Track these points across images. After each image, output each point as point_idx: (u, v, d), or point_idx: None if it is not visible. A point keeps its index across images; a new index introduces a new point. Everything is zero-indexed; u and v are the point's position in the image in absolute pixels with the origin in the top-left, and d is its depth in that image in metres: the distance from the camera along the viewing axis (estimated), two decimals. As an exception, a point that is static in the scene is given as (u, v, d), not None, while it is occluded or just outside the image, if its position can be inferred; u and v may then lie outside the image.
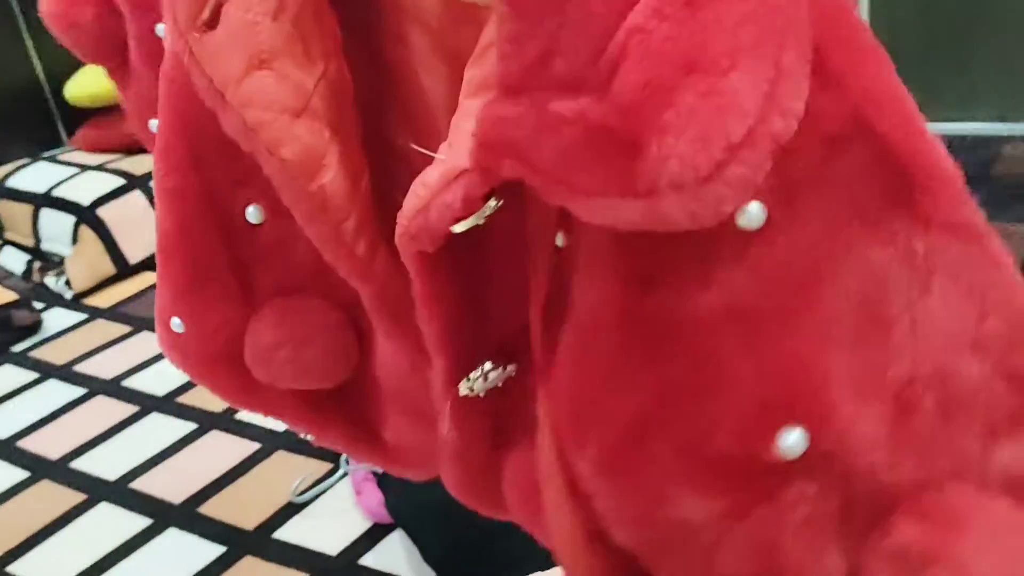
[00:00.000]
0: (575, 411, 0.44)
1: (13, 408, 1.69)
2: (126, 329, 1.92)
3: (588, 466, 0.44)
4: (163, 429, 1.57)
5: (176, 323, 0.62)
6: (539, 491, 0.49)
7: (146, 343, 1.85)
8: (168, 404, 1.64)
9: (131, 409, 1.64)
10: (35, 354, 1.87)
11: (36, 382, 1.77)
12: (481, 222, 0.42)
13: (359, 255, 0.52)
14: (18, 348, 1.89)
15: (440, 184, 0.42)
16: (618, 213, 0.37)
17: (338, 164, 0.50)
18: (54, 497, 1.44)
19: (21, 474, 1.51)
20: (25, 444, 1.58)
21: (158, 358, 1.77)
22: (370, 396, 0.63)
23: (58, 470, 1.51)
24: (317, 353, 0.60)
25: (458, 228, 0.42)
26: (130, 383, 1.72)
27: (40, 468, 1.52)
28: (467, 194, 0.41)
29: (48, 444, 1.58)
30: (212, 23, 0.50)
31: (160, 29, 0.59)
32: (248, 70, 0.49)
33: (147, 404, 1.65)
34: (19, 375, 1.80)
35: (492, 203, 0.42)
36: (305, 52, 0.50)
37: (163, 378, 1.69)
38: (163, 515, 1.37)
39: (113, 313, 1.99)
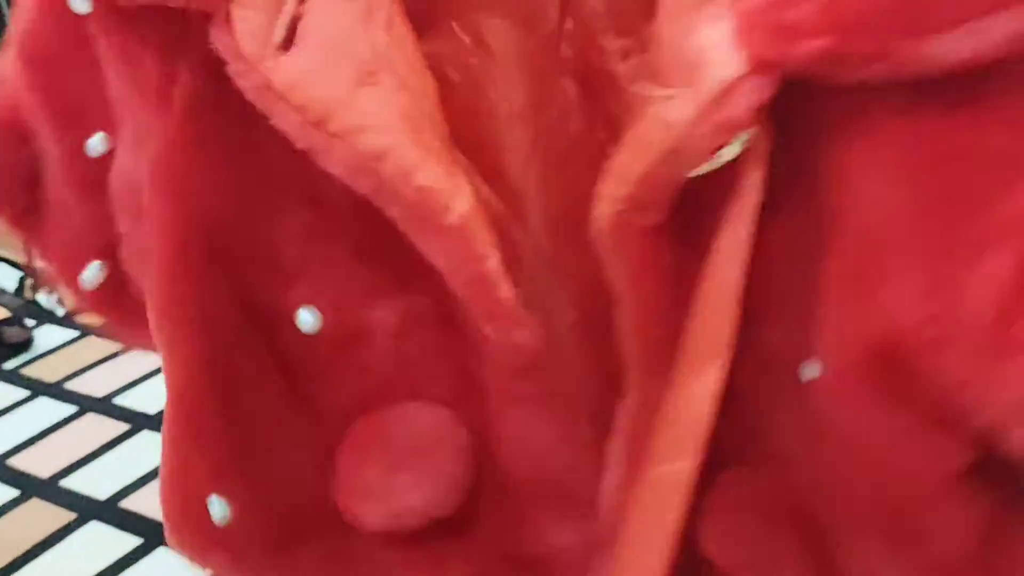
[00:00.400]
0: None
1: (3, 426, 1.68)
2: (118, 346, 1.90)
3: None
4: (155, 447, 1.53)
5: (218, 508, 0.46)
6: (754, 513, 0.40)
7: (138, 360, 1.84)
8: (160, 422, 1.62)
9: (122, 427, 1.63)
10: (26, 371, 1.86)
11: (27, 399, 1.76)
12: (739, 151, 0.34)
13: (505, 299, 0.40)
14: (9, 365, 1.88)
15: (704, 107, 0.33)
16: (999, 32, 0.29)
17: (470, 189, 0.40)
18: (44, 516, 1.43)
19: (11, 492, 1.50)
20: (15, 462, 1.57)
21: (150, 375, 1.76)
22: (498, 504, 0.48)
23: (48, 488, 1.50)
24: (442, 464, 0.45)
25: (704, 169, 0.34)
26: (122, 400, 1.71)
27: (30, 486, 1.51)
28: (749, 102, 0.33)
29: (38, 462, 1.57)
30: (287, 44, 0.40)
31: (92, 145, 0.47)
32: (353, 89, 0.39)
33: (139, 422, 1.64)
34: (10, 392, 1.78)
35: (747, 133, 0.33)
36: (404, 59, 0.40)
37: (155, 395, 1.68)
38: (154, 534, 1.36)
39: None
